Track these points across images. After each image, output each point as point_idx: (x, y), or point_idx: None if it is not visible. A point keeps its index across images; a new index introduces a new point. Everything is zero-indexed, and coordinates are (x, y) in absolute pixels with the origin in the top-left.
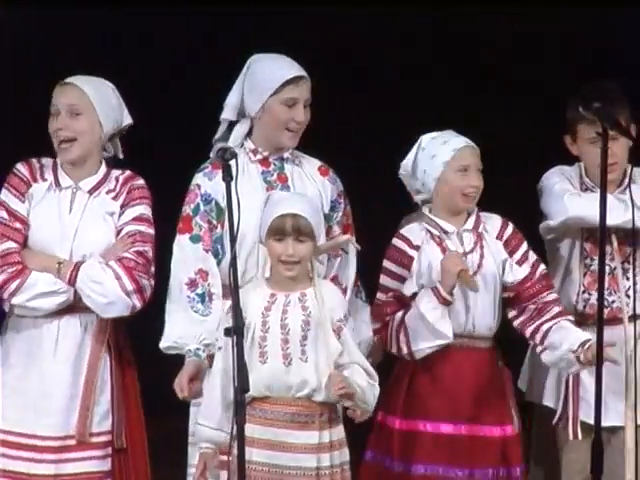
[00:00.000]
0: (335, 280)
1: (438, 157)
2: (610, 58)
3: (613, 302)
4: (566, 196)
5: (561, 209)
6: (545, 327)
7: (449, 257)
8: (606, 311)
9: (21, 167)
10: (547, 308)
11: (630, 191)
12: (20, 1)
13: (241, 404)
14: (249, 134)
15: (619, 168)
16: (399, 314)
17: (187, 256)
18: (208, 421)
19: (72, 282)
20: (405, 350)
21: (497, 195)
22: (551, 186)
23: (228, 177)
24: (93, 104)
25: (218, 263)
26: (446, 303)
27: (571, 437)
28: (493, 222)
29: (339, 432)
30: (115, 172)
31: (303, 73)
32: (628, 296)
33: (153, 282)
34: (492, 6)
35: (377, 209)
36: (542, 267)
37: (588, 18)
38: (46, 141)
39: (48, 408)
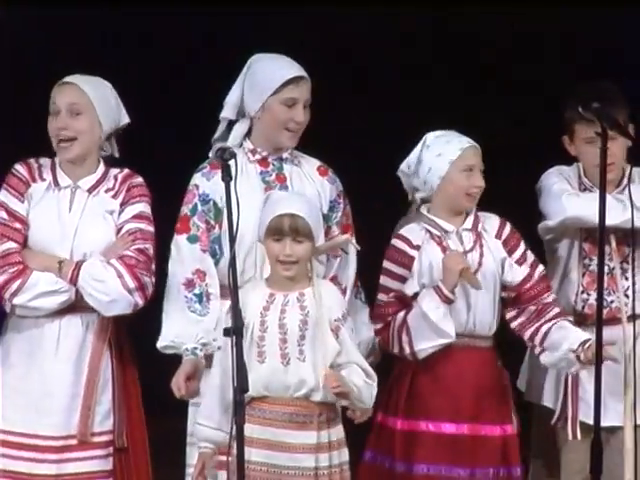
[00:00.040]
0: (334, 280)
1: (444, 156)
2: (610, 58)
3: (612, 302)
4: (564, 196)
5: (559, 209)
6: (544, 328)
7: (451, 256)
8: (605, 311)
9: (19, 167)
10: (546, 309)
11: (630, 191)
12: (20, 1)
13: (240, 404)
14: (248, 134)
15: (617, 168)
16: (401, 314)
17: (184, 256)
18: (208, 421)
19: (74, 281)
20: (407, 350)
21: (497, 195)
22: (549, 186)
23: (227, 177)
24: (93, 104)
25: (216, 263)
26: (448, 302)
27: (570, 437)
28: (491, 222)
29: (338, 432)
30: (113, 171)
31: (303, 73)
32: (627, 296)
33: (154, 280)
34: (492, 6)
35: (377, 209)
36: (541, 268)
37: (588, 18)
38: (46, 141)
39: (50, 408)
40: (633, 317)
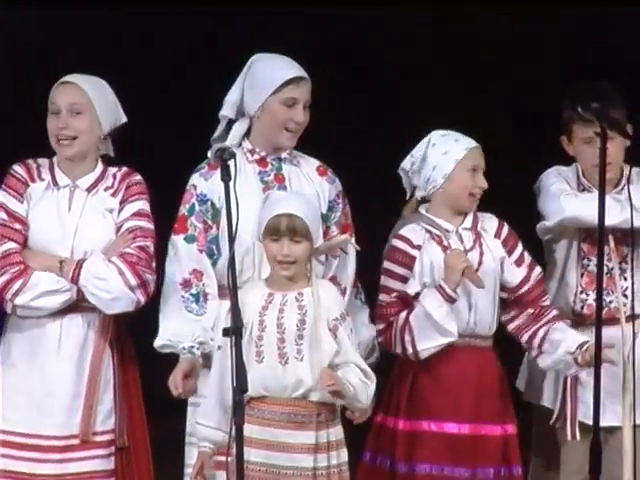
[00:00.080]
0: (333, 280)
1: (450, 154)
2: (610, 58)
3: (610, 302)
4: (562, 196)
5: (557, 209)
6: (542, 331)
7: (453, 255)
8: (603, 311)
9: (18, 168)
10: (544, 312)
11: (629, 191)
12: (20, 1)
13: (239, 404)
14: (247, 134)
15: (614, 168)
16: (403, 314)
17: (181, 256)
18: (207, 420)
19: (75, 280)
20: (410, 350)
21: (497, 195)
22: (548, 186)
23: (227, 177)
24: (93, 103)
25: (213, 264)
26: (451, 301)
27: (569, 437)
28: (490, 222)
29: (337, 432)
30: (112, 169)
31: (304, 74)
32: (625, 296)
33: (155, 277)
34: (492, 6)
35: (377, 209)
36: (538, 270)
37: (588, 18)
38: (46, 141)
39: (52, 407)
40: (632, 317)
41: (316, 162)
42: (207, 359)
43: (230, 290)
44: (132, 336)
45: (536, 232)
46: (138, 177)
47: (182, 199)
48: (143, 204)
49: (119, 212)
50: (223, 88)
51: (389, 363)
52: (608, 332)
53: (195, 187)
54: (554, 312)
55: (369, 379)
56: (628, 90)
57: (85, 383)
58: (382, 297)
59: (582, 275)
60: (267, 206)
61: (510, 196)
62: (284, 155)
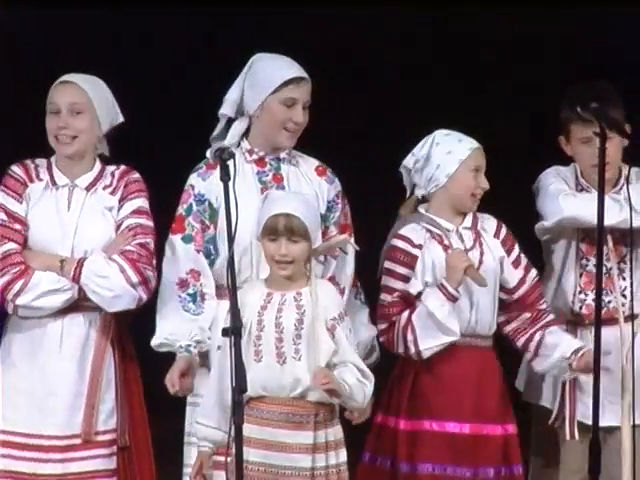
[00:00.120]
0: (332, 280)
1: (454, 154)
2: (610, 58)
3: (609, 302)
4: (561, 196)
5: (556, 209)
6: (538, 335)
7: (454, 254)
8: (602, 311)
9: (16, 168)
10: (541, 316)
11: (628, 191)
12: (20, 1)
13: (239, 404)
14: (246, 134)
15: (612, 167)
16: (405, 314)
17: (179, 256)
18: (207, 420)
19: (76, 279)
20: (413, 349)
21: (497, 195)
22: (546, 186)
23: (226, 177)
24: (93, 103)
25: (211, 264)
26: (453, 300)
27: (568, 437)
28: (489, 222)
29: (336, 432)
30: (110, 167)
31: (304, 74)
32: (624, 296)
33: (156, 274)
34: (492, 6)
35: (377, 209)
36: (534, 272)
37: (588, 18)
38: (46, 141)
39: (54, 407)
40: (631, 317)
41: (315, 162)
42: (204, 358)
43: (229, 290)
44: (132, 335)
45: (535, 232)
46: (136, 175)
47: (180, 199)
48: (142, 201)
49: (118, 210)
50: (223, 88)
51: (389, 363)
52: (607, 332)
53: (193, 187)
54: (550, 316)
55: (367, 379)
56: (628, 90)
57: (87, 382)
58: (384, 297)
59: (581, 275)
60: (265, 206)
61: (509, 196)
62: (283, 155)
